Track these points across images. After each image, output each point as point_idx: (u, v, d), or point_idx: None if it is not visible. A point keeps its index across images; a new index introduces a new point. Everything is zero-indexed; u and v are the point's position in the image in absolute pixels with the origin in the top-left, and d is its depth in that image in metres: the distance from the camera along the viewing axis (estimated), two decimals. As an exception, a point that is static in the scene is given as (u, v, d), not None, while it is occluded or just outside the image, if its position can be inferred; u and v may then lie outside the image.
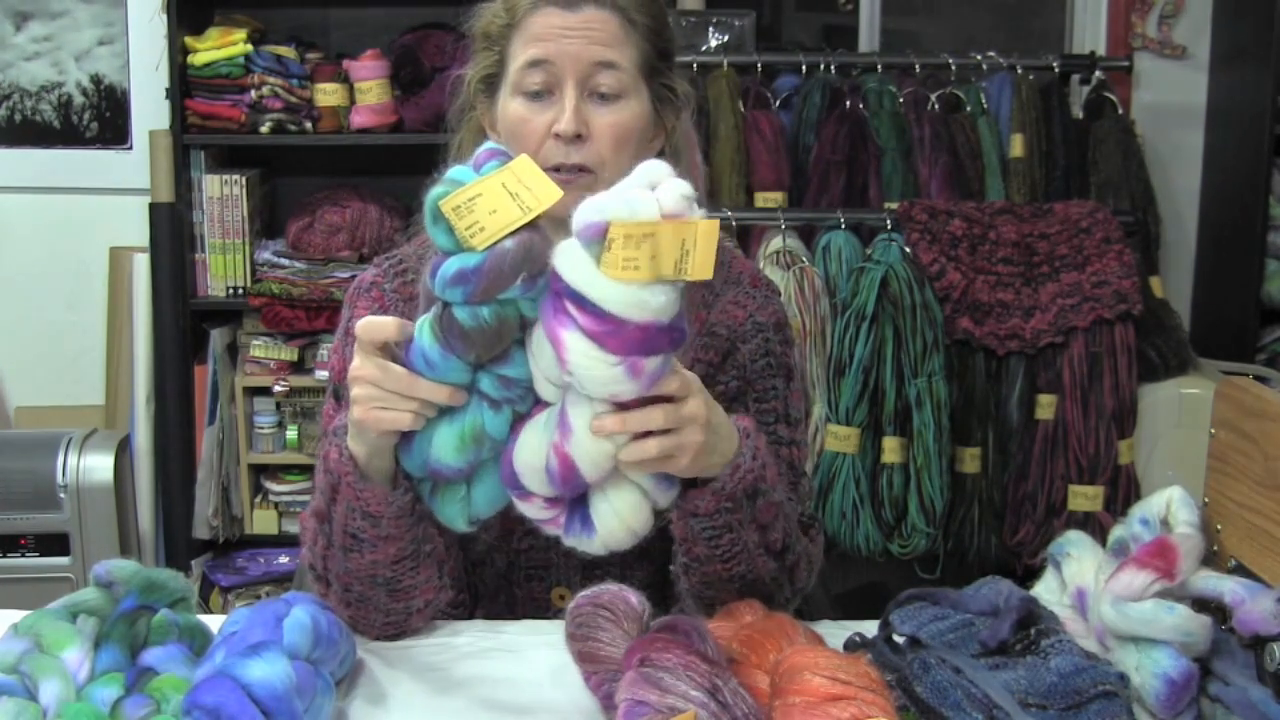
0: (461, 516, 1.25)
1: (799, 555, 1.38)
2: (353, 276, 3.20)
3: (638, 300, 1.08)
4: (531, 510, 1.21)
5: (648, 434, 1.16)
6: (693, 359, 1.46)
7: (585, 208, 1.10)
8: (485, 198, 1.12)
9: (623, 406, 1.14)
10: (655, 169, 1.13)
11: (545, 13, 1.39)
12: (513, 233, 1.10)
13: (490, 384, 1.17)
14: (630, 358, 1.09)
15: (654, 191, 1.10)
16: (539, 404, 1.19)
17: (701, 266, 1.08)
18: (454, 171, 1.15)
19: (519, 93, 1.40)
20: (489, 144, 1.20)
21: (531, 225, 1.11)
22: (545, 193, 1.12)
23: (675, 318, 1.11)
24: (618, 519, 1.19)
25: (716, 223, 1.09)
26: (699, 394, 1.19)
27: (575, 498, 1.21)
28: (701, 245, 1.07)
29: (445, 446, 1.19)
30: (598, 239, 1.08)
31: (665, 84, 1.45)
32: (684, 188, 1.10)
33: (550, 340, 1.11)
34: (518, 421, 1.20)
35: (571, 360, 1.10)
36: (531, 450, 1.18)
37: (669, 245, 1.07)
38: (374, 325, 1.19)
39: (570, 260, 1.10)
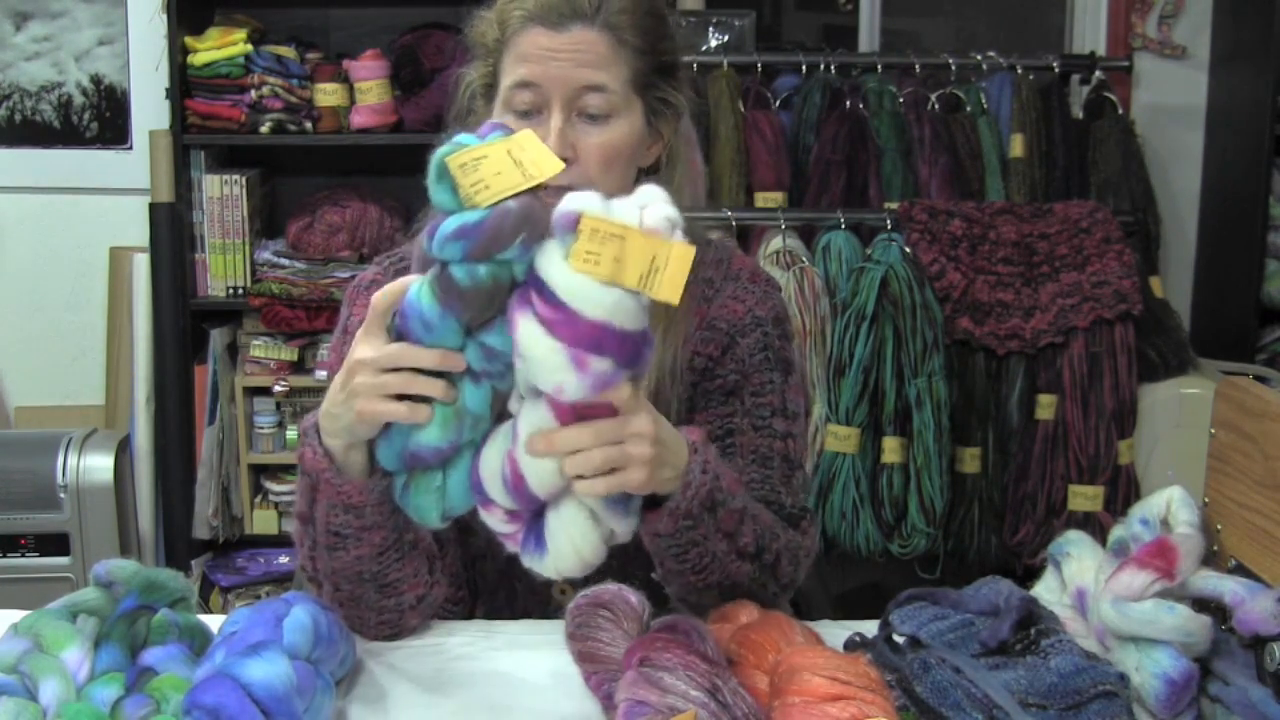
0: (435, 509, 1.22)
1: (778, 552, 1.38)
2: (353, 276, 3.20)
3: (587, 293, 1.08)
4: (493, 521, 1.20)
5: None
6: (693, 352, 1.47)
7: (567, 199, 1.10)
8: (490, 160, 1.12)
9: (568, 416, 1.14)
10: (652, 192, 1.13)
11: (533, 32, 1.37)
12: (515, 195, 1.11)
13: (474, 353, 1.16)
14: (576, 349, 1.08)
15: (641, 207, 1.10)
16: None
17: (669, 288, 1.07)
18: (460, 136, 1.16)
19: (509, 109, 1.40)
20: (492, 120, 1.21)
21: (533, 193, 1.12)
22: (548, 164, 1.13)
23: (633, 330, 1.10)
24: (569, 542, 1.18)
25: (693, 250, 1.09)
26: (646, 409, 1.18)
27: (534, 514, 1.20)
28: (673, 267, 1.07)
29: (426, 424, 1.18)
30: (570, 229, 1.09)
31: (660, 97, 1.43)
32: (671, 212, 1.10)
33: (509, 321, 1.11)
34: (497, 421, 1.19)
35: (521, 342, 1.10)
36: (493, 455, 1.18)
37: (637, 254, 1.07)
38: (387, 290, 1.19)
39: (542, 247, 1.11)
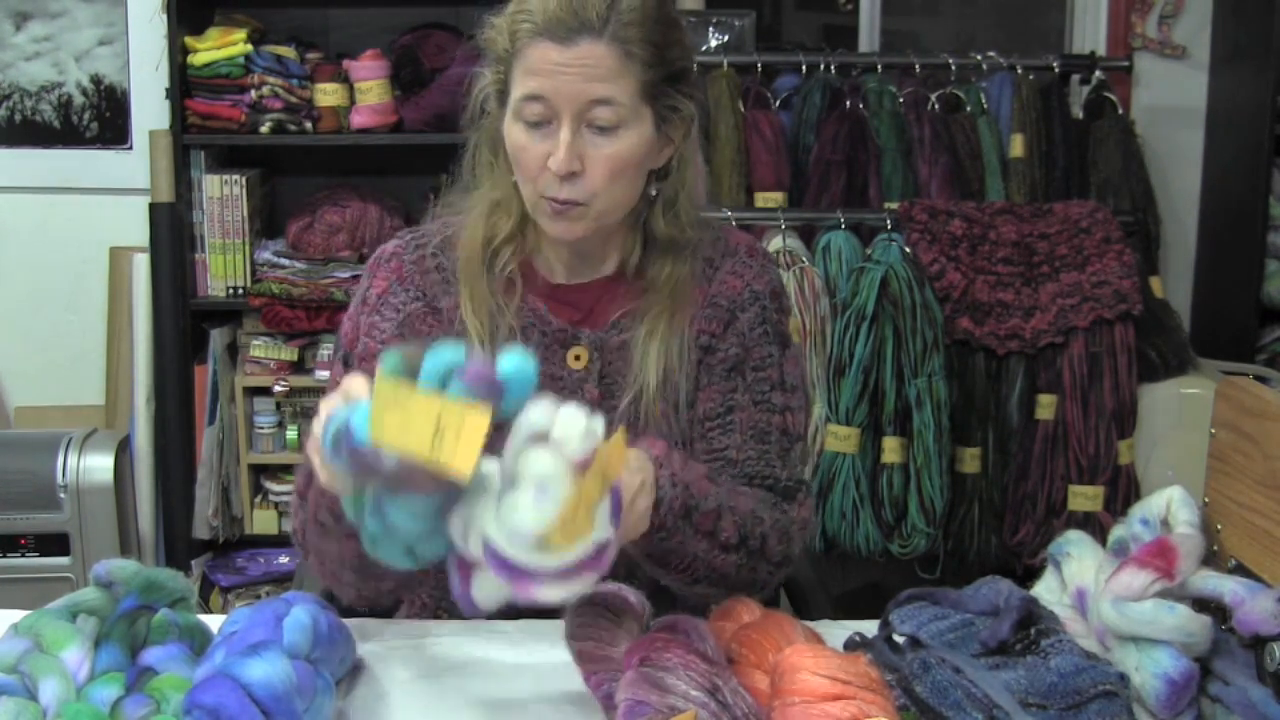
0: (404, 560, 1.20)
1: (763, 535, 1.40)
2: (353, 276, 3.22)
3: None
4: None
5: None
6: (697, 330, 1.50)
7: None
8: (416, 410, 1.04)
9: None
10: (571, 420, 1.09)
11: (542, 46, 1.37)
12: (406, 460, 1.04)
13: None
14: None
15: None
16: None
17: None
18: (426, 362, 1.09)
19: (518, 119, 1.40)
20: (488, 365, 1.11)
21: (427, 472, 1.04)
22: (463, 460, 1.03)
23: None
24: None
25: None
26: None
27: None
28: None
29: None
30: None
31: (670, 104, 1.44)
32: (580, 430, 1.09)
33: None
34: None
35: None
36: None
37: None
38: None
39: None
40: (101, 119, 3.47)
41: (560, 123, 1.38)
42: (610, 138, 1.39)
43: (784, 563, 1.45)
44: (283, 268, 3.26)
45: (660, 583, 1.40)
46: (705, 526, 1.33)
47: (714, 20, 3.36)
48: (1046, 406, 2.88)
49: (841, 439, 2.81)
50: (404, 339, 1.47)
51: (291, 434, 3.30)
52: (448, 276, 1.50)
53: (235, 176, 3.24)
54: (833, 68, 3.17)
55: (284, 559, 3.36)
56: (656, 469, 1.28)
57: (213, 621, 1.31)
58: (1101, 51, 3.48)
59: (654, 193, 1.49)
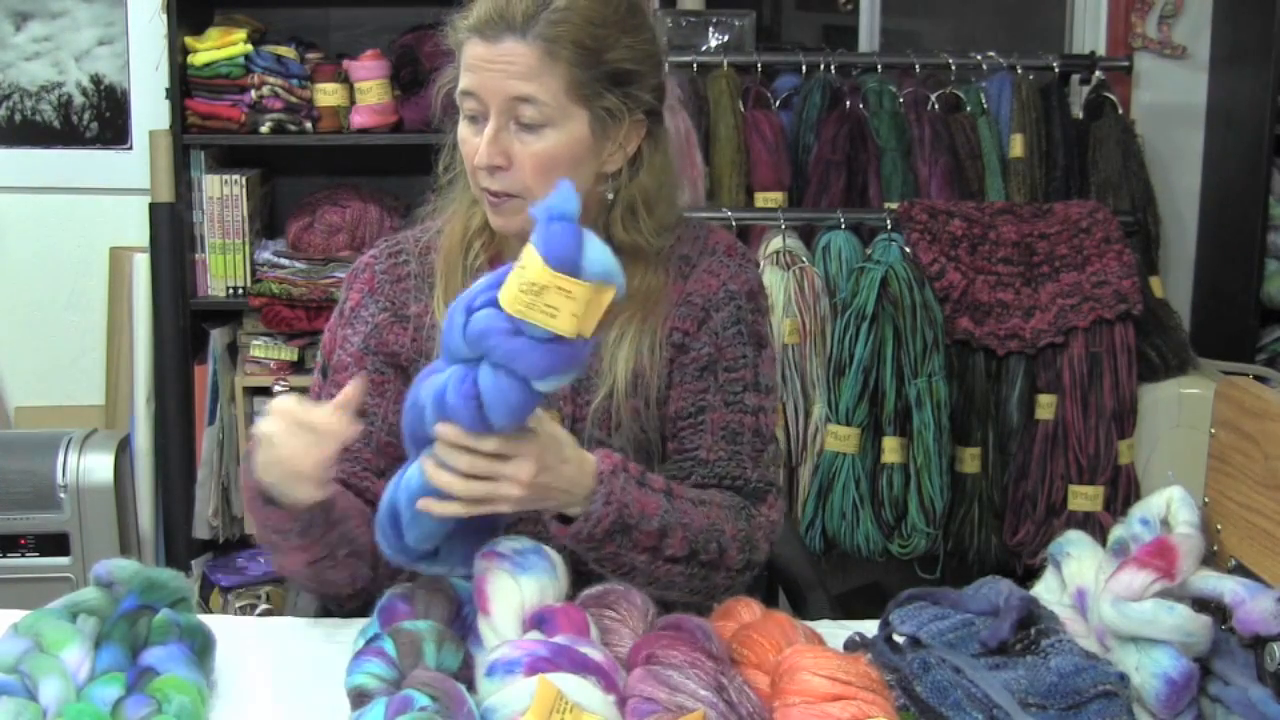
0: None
1: (721, 547, 1.42)
2: (353, 276, 3.22)
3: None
4: None
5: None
6: (670, 327, 1.51)
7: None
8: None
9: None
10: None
11: (473, 43, 1.42)
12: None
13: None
14: None
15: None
16: None
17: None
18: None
19: (462, 114, 1.45)
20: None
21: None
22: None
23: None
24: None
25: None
26: (531, 456, 1.25)
27: None
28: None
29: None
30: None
31: (605, 106, 1.43)
32: None
33: None
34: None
35: None
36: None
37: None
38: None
39: None
40: (101, 119, 3.47)
41: (489, 119, 1.41)
42: (536, 135, 1.41)
43: (746, 568, 1.46)
44: (283, 268, 3.26)
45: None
46: (646, 543, 1.35)
47: (714, 20, 3.36)
48: (1046, 406, 2.88)
49: (841, 439, 2.81)
50: (370, 351, 1.51)
51: (291, 434, 3.29)
52: (421, 280, 1.53)
53: (235, 176, 3.24)
54: (833, 68, 3.17)
55: (284, 559, 3.35)
56: (596, 483, 1.31)
57: (212, 622, 1.31)
58: (1101, 51, 3.48)
59: (610, 196, 1.49)
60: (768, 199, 3.07)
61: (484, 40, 1.40)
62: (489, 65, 1.40)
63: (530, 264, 1.15)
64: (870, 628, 1.33)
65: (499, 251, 1.53)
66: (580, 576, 1.35)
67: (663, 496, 1.38)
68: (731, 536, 1.42)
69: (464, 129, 1.45)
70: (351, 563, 1.39)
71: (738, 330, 1.52)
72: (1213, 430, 1.41)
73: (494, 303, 1.17)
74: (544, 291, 1.14)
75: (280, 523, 1.31)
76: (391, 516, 1.28)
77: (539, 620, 1.19)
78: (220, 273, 3.26)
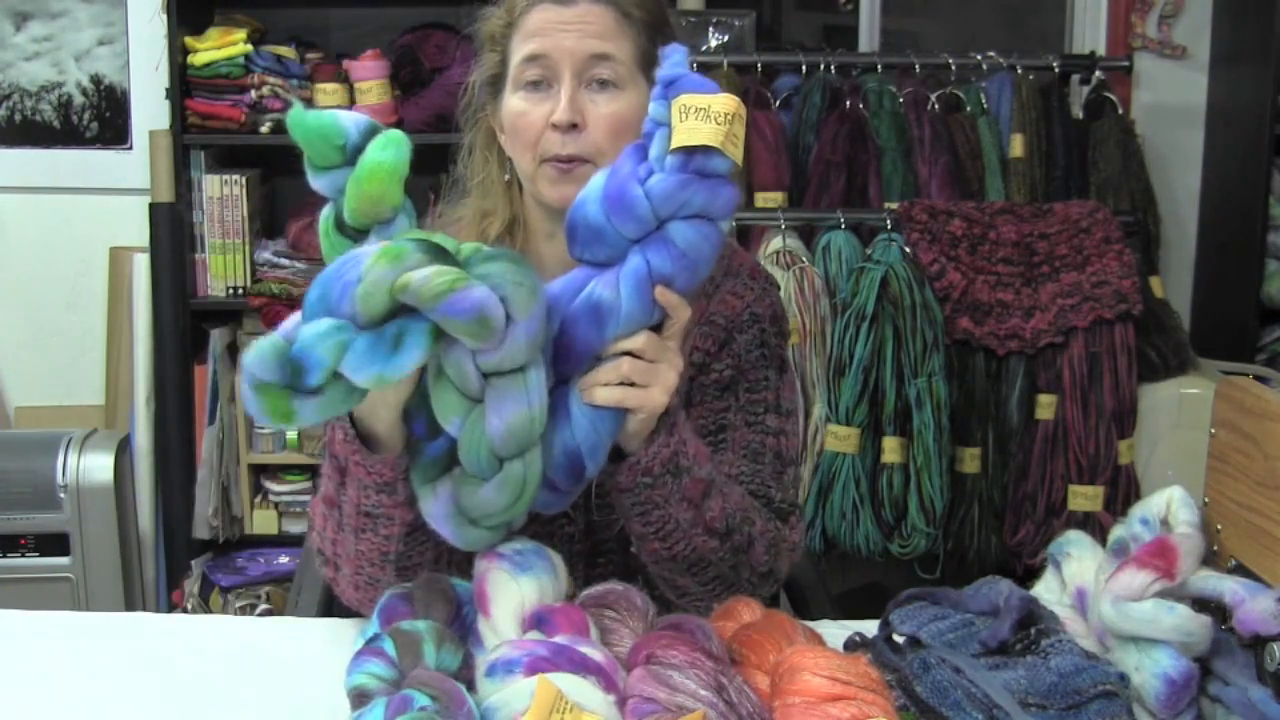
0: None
1: (752, 536, 1.39)
2: (353, 276, 3.22)
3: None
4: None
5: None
6: (691, 347, 1.49)
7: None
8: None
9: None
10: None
11: (541, 9, 1.41)
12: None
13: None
14: None
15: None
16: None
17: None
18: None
19: (518, 87, 1.43)
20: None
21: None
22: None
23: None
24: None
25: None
26: (674, 362, 1.26)
27: None
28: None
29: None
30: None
31: None
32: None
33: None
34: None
35: None
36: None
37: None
38: None
39: None
40: (101, 119, 3.48)
41: (560, 81, 1.40)
42: (610, 94, 1.41)
43: (769, 576, 1.44)
44: (283, 268, 3.26)
45: (642, 558, 1.38)
46: (692, 494, 1.32)
47: (714, 20, 3.36)
48: (1046, 406, 2.88)
49: (841, 439, 2.81)
50: None
51: (291, 434, 3.30)
52: None
53: (235, 176, 3.24)
54: (833, 68, 3.17)
55: (284, 559, 3.36)
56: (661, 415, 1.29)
57: (212, 622, 1.31)
58: (1101, 51, 3.48)
59: None
60: (768, 199, 3.07)
61: (556, 3, 1.41)
62: (565, 27, 1.40)
63: (714, 102, 1.18)
64: (870, 628, 1.33)
65: None
66: (588, 582, 1.34)
67: (707, 459, 1.36)
68: (761, 531, 1.41)
69: (521, 103, 1.43)
70: (438, 544, 1.34)
71: (761, 353, 1.51)
72: (1213, 430, 1.41)
73: (661, 166, 1.22)
74: (734, 120, 1.18)
75: (382, 471, 1.26)
76: (569, 457, 1.25)
77: (539, 620, 1.19)
78: (220, 273, 3.26)
